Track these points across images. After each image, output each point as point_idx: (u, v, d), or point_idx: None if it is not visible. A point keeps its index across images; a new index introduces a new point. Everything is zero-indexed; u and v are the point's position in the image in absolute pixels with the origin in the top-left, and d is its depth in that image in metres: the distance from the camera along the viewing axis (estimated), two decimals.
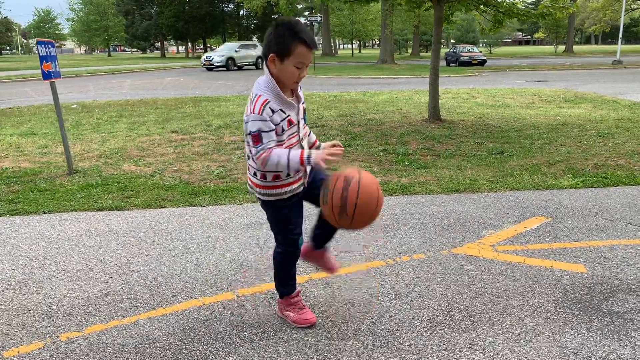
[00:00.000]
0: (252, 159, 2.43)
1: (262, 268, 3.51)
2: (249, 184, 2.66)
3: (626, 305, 2.97)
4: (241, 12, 68.31)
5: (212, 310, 2.97)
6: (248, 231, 4.23)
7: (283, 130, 2.41)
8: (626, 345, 2.58)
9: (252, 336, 2.71)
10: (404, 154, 6.91)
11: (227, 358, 2.52)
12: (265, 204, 2.65)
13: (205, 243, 3.99)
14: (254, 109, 2.34)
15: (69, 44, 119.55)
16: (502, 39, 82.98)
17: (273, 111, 2.35)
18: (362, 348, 2.60)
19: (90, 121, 10.34)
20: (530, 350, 2.55)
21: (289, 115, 2.43)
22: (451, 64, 35.50)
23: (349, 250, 3.80)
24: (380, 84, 20.25)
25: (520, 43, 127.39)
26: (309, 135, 2.70)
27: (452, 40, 69.80)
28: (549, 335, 2.68)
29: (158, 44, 73.32)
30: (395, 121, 9.78)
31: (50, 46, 5.91)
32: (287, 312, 2.83)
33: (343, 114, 10.85)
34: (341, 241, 3.92)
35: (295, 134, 2.50)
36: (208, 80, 23.73)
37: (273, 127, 2.35)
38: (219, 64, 32.66)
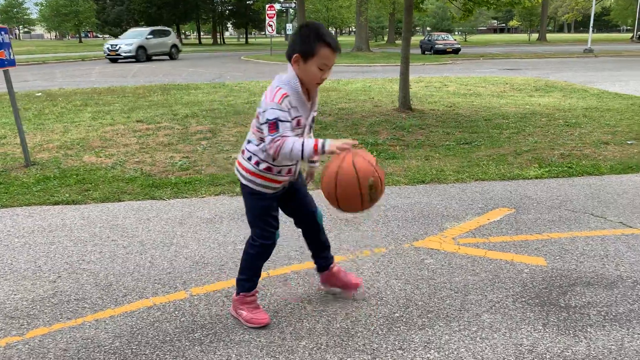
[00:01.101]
0: (264, 146, 2.44)
1: (219, 265, 3.41)
2: (237, 167, 2.64)
3: (583, 299, 2.95)
4: None
5: (162, 311, 2.87)
6: (207, 226, 4.12)
7: (292, 129, 2.43)
8: (581, 341, 2.56)
9: (202, 338, 2.61)
10: (374, 144, 6.84)
11: None
12: (246, 191, 2.63)
13: (161, 239, 3.87)
14: (273, 98, 2.36)
15: (39, 30, 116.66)
16: (477, 26, 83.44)
17: (291, 105, 2.39)
18: (315, 348, 2.53)
19: (53, 110, 10.03)
20: (485, 348, 2.51)
21: (300, 116, 2.46)
22: (426, 52, 35.53)
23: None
24: (354, 72, 20.15)
25: (495, 31, 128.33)
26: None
27: (428, 28, 69.90)
28: (505, 332, 2.64)
29: None
30: (367, 111, 9.71)
31: (3, 32, 5.66)
32: (241, 311, 2.75)
33: None
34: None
35: (299, 136, 2.49)
36: (180, 67, 23.32)
37: (289, 119, 2.37)
38: (128, 54, 27.46)
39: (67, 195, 4.90)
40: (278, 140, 2.34)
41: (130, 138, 7.38)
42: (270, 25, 31.13)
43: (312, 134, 2.64)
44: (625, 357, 2.44)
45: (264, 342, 2.58)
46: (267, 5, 31.67)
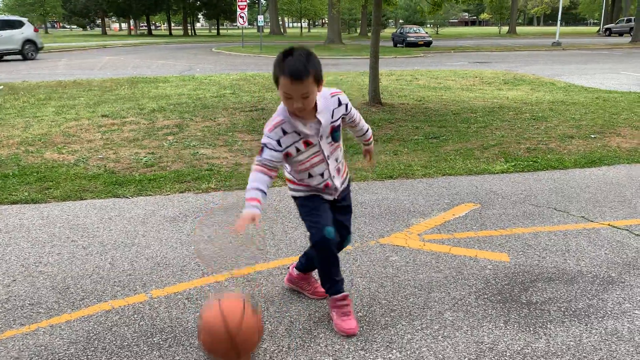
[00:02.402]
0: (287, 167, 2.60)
1: (181, 266, 3.35)
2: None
3: (544, 295, 2.98)
4: None
5: (121, 315, 2.79)
6: (171, 225, 4.04)
7: (298, 151, 2.46)
8: (541, 338, 2.58)
9: (161, 342, 2.55)
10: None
11: None
12: (294, 198, 2.70)
13: (123, 239, 3.78)
14: (267, 125, 2.43)
15: None
16: (449, 19, 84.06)
17: (285, 132, 2.40)
18: (276, 351, 2.49)
19: (15, 104, 9.74)
20: (447, 347, 2.52)
21: (303, 137, 2.44)
22: (398, 45, 35.65)
23: (262, 248, 3.68)
24: (326, 65, 20.00)
25: (466, 24, 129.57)
26: (363, 130, 2.83)
27: (401, 21, 70.09)
28: (467, 330, 2.65)
29: (99, 21, 70.36)
30: None
31: None
32: (332, 313, 2.71)
33: None
34: (265, 234, 3.80)
35: (317, 153, 2.50)
36: (149, 60, 22.91)
37: (278, 147, 2.40)
38: None
39: (27, 193, 4.76)
40: (255, 165, 2.42)
41: (95, 133, 7.21)
42: (242, 17, 30.78)
43: (337, 144, 2.58)
44: (583, 352, 2.47)
45: None
46: None
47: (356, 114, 2.70)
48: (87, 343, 2.55)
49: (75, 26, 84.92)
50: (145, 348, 2.51)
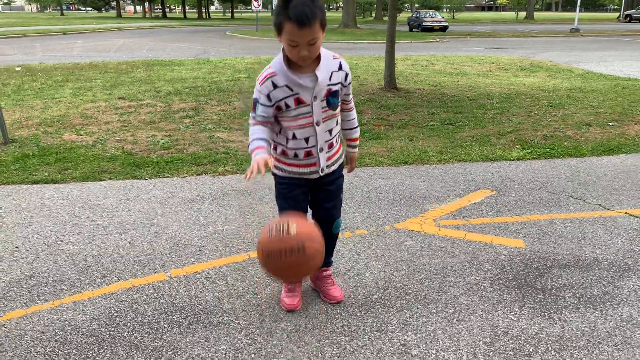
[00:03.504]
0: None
1: (199, 246, 3.40)
2: None
3: (559, 282, 2.99)
4: None
5: (141, 293, 2.86)
6: (189, 207, 4.09)
7: (288, 106, 2.30)
8: (556, 323, 2.60)
9: (180, 320, 2.61)
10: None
11: (152, 344, 2.43)
12: (272, 174, 2.54)
13: (142, 219, 3.84)
14: (259, 77, 2.32)
15: (19, 1, 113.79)
16: (465, 4, 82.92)
17: (275, 86, 2.27)
18: (293, 330, 2.54)
19: (33, 86, 9.84)
20: (462, 330, 2.55)
21: (297, 94, 2.29)
22: (414, 30, 35.30)
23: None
24: (341, 49, 19.96)
25: (483, 9, 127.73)
26: (352, 124, 2.65)
27: (416, 5, 69.28)
28: (482, 314, 2.68)
29: (114, 3, 70.37)
30: (352, 89, 9.63)
31: None
32: (283, 286, 2.79)
33: None
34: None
35: (307, 114, 2.34)
36: (164, 42, 22.94)
37: (268, 102, 2.28)
38: None
39: (47, 174, 4.84)
40: (251, 121, 2.36)
41: (112, 115, 7.28)
42: (257, 0, 30.64)
43: (332, 112, 2.41)
44: (597, 338, 2.48)
45: (242, 324, 2.59)
46: None
47: (351, 94, 2.56)
48: (109, 319, 2.62)
49: (90, 8, 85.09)
50: (165, 325, 2.57)
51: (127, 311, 2.69)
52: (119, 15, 66.55)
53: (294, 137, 2.39)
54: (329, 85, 2.34)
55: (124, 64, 13.44)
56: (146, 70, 12.26)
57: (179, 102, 8.28)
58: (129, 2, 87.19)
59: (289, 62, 2.26)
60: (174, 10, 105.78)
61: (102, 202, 4.19)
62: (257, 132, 2.31)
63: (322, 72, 2.31)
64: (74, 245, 3.42)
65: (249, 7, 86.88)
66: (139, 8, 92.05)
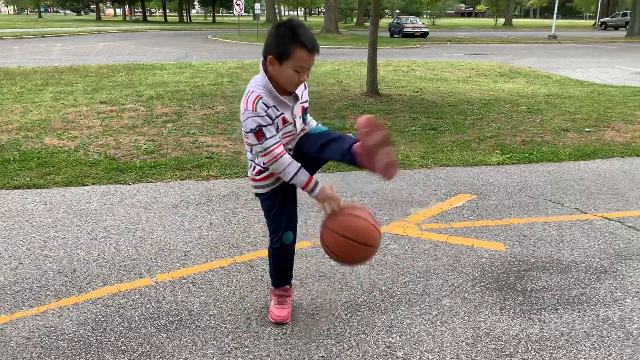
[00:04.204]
0: (257, 155, 2.35)
1: (185, 251, 3.42)
2: (249, 182, 2.58)
3: (539, 284, 3.07)
4: None
5: (127, 298, 2.86)
6: (173, 211, 4.10)
7: (278, 127, 2.33)
8: (535, 324, 2.68)
9: (167, 325, 2.63)
10: (342, 129, 6.88)
11: (139, 349, 2.44)
12: (259, 199, 2.58)
13: (126, 224, 3.84)
14: (247, 105, 2.26)
15: None
16: (445, 10, 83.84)
17: (267, 106, 2.27)
18: (280, 334, 2.58)
19: (12, 90, 9.72)
20: (445, 332, 2.61)
21: (282, 113, 2.33)
22: (394, 35, 35.58)
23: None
24: (323, 55, 20.00)
25: (462, 15, 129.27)
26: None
27: (397, 11, 69.88)
28: (464, 316, 2.74)
29: (93, 6, 69.68)
30: (335, 95, 9.73)
31: None
32: (272, 298, 2.77)
33: None
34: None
35: (291, 133, 2.40)
36: (145, 46, 22.80)
37: (271, 121, 2.28)
38: None
39: (28, 179, 4.80)
40: (275, 148, 2.27)
41: (94, 120, 7.23)
42: (239, 4, 30.62)
43: (307, 126, 2.51)
44: (575, 338, 2.56)
45: (229, 328, 2.61)
46: None
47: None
48: (96, 324, 2.62)
49: (69, 11, 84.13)
50: (152, 330, 2.59)
51: (114, 316, 2.69)
52: (99, 18, 65.92)
53: None
54: (301, 103, 2.42)
55: (105, 68, 13.34)
56: (128, 74, 12.19)
57: (162, 106, 8.25)
58: (108, 4, 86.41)
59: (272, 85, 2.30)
60: (154, 14, 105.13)
61: (85, 207, 4.17)
62: (293, 161, 2.31)
63: (298, 91, 2.39)
64: (58, 251, 3.40)
65: (230, 11, 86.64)
66: (119, 11, 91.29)
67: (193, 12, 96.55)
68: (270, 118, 2.28)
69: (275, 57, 2.23)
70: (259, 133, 2.26)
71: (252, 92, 2.28)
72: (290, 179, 2.32)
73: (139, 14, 78.29)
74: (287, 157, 2.31)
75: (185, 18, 69.21)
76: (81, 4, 69.19)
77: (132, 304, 2.81)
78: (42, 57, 16.97)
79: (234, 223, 3.88)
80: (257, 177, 2.47)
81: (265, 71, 2.29)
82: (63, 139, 6.19)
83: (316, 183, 2.33)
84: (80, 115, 7.49)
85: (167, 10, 75.36)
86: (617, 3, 59.73)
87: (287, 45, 2.20)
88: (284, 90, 2.32)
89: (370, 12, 9.65)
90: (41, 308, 2.75)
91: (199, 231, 3.74)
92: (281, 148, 2.29)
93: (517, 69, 15.07)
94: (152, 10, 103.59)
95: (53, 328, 2.59)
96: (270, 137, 2.26)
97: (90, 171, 5.05)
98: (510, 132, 6.85)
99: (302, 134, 2.48)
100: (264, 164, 2.38)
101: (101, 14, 71.99)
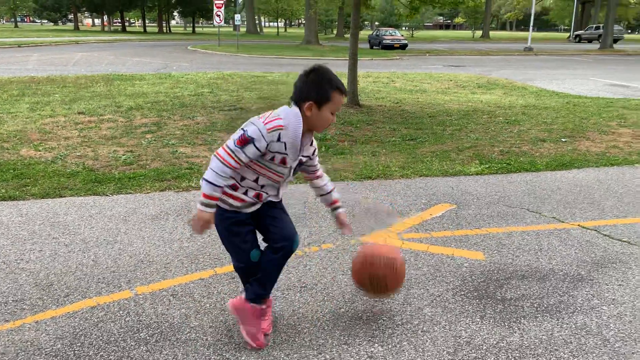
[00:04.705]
0: (224, 147, 2.31)
1: (165, 263, 3.38)
2: None
3: (518, 292, 3.11)
4: None
5: (106, 311, 2.82)
6: (153, 223, 4.06)
7: (272, 159, 2.34)
8: (515, 332, 2.71)
9: (147, 338, 2.59)
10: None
11: None
12: (216, 213, 2.45)
13: (105, 236, 3.79)
14: (266, 122, 2.28)
15: None
16: (424, 22, 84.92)
17: (279, 139, 2.29)
18: None
19: None
20: (426, 341, 2.62)
21: (286, 154, 2.35)
22: (374, 47, 35.93)
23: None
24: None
25: (441, 27, 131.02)
26: (326, 188, 2.72)
27: (376, 23, 70.58)
28: (445, 325, 2.76)
29: (71, 16, 69.04)
30: None
31: None
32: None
33: (264, 97, 10.69)
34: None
35: (281, 174, 2.42)
36: (124, 57, 22.64)
37: (263, 150, 2.28)
38: None
39: (4, 190, 4.71)
40: (232, 157, 2.26)
41: (72, 131, 7.14)
42: (219, 15, 30.63)
43: (316, 174, 2.65)
44: (554, 345, 2.60)
45: (210, 340, 2.59)
46: None
47: (318, 164, 2.66)
48: (74, 338, 2.58)
49: (46, 21, 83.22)
50: (132, 343, 2.55)
51: (92, 330, 2.65)
52: (77, 29, 65.21)
53: (256, 180, 2.42)
54: (302, 155, 2.45)
55: (83, 78, 13.20)
56: (106, 84, 12.08)
57: (141, 117, 8.19)
58: (86, 15, 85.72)
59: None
60: (133, 24, 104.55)
61: (63, 219, 4.11)
62: (228, 177, 2.31)
63: (312, 144, 2.52)
64: (35, 264, 3.34)
65: (210, 22, 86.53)
66: (97, 21, 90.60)
67: (173, 22, 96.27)
68: (270, 150, 2.29)
69: (315, 103, 2.32)
70: (244, 140, 2.26)
71: (281, 119, 2.30)
72: (208, 182, 2.28)
73: (117, 24, 77.79)
74: (228, 170, 2.28)
75: (164, 29, 68.96)
76: (58, 13, 68.42)
77: (111, 317, 2.77)
78: (18, 67, 16.73)
79: (214, 234, 3.83)
80: (228, 192, 2.41)
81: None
82: (40, 150, 6.10)
83: (213, 206, 2.32)
84: (57, 126, 7.39)
85: (147, 21, 75.05)
86: (590, 17, 61.21)
87: (326, 91, 2.33)
88: (307, 136, 2.42)
89: (350, 24, 9.73)
90: (17, 322, 2.70)
91: (179, 243, 3.71)
92: (236, 164, 2.28)
93: (495, 80, 15.31)
94: (132, 20, 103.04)
95: (29, 343, 2.53)
96: (246, 155, 2.27)
97: (67, 182, 4.98)
98: (489, 143, 6.95)
99: (290, 180, 2.55)
100: (215, 154, 2.33)
101: (79, 24, 71.27)
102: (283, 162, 2.37)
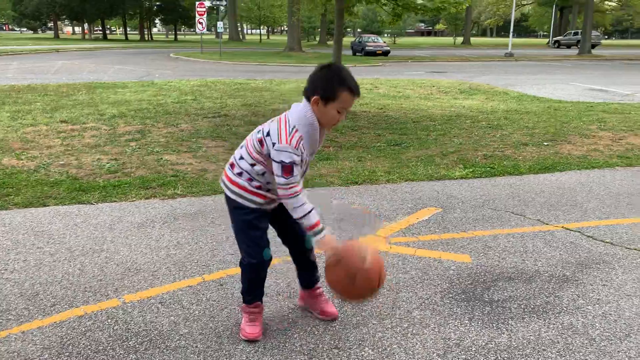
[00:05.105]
0: (277, 185, 2.42)
1: (152, 271, 3.36)
2: (224, 180, 2.60)
3: (505, 294, 3.15)
4: None
5: (94, 320, 2.79)
6: (139, 231, 4.03)
7: (300, 167, 2.46)
8: (503, 333, 2.74)
9: (137, 346, 2.57)
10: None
11: None
12: (232, 206, 2.59)
13: (91, 245, 3.75)
14: (290, 140, 2.35)
15: None
16: (406, 29, 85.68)
17: (304, 148, 2.41)
18: (252, 351, 2.55)
19: None
20: (416, 344, 2.64)
21: (307, 157, 2.47)
22: (357, 54, 36.11)
23: None
24: (287, 72, 20.19)
25: (422, 34, 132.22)
26: None
27: (359, 30, 70.98)
28: (434, 327, 2.78)
29: (51, 24, 68.39)
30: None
31: None
32: (243, 316, 2.73)
33: (247, 104, 10.68)
34: None
35: (304, 172, 2.53)
36: (105, 65, 22.47)
37: (301, 161, 2.41)
38: None
39: None
40: (295, 186, 2.38)
41: (54, 139, 7.07)
42: (201, 23, 30.58)
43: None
44: (542, 346, 2.63)
45: (201, 347, 2.58)
46: (197, 2, 31.07)
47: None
48: (61, 348, 2.55)
49: (25, 29, 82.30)
50: (121, 352, 2.53)
51: (80, 339, 2.62)
52: (57, 37, 64.60)
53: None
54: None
55: (64, 87, 13.07)
56: (88, 92, 11.98)
57: (125, 125, 8.13)
58: (67, 23, 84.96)
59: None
60: (114, 32, 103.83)
61: (47, 229, 4.06)
62: (307, 201, 2.43)
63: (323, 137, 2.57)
64: (20, 274, 3.30)
65: (192, 30, 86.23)
66: (77, 29, 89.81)
67: (154, 30, 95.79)
68: (302, 160, 2.40)
69: (321, 98, 2.36)
70: (289, 169, 2.36)
71: (297, 130, 2.38)
72: (301, 217, 2.41)
73: (98, 32, 77.17)
74: (303, 198, 2.41)
75: (146, 36, 68.61)
76: (38, 22, 67.71)
77: (99, 325, 2.74)
78: None
79: (201, 241, 3.85)
80: (253, 190, 2.51)
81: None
82: (22, 159, 6.03)
83: (322, 228, 2.43)
84: (39, 135, 7.31)
85: (128, 29, 74.60)
86: (568, 23, 62.28)
87: (334, 88, 2.34)
88: (319, 131, 2.46)
89: (333, 31, 9.78)
90: (2, 333, 2.66)
91: (166, 250, 3.69)
92: (300, 186, 2.42)
93: (476, 86, 15.48)
94: (112, 28, 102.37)
95: (16, 353, 2.50)
96: (296, 175, 2.37)
97: (51, 191, 4.93)
98: (472, 147, 7.03)
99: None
100: (278, 195, 2.47)
101: (59, 32, 70.63)
102: (305, 162, 2.48)
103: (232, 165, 2.57)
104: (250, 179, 2.51)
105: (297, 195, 2.40)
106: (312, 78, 2.42)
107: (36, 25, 71.57)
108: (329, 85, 2.36)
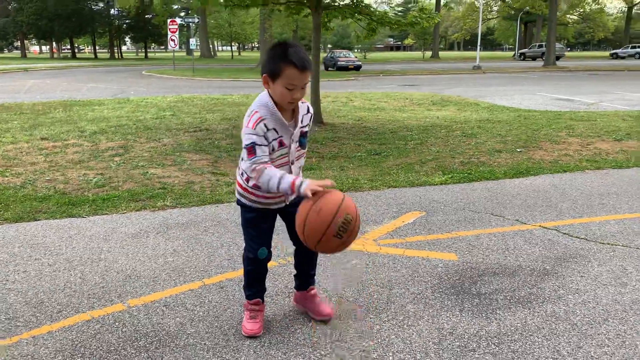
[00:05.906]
0: (246, 171, 2.47)
1: (153, 277, 3.46)
2: (235, 183, 2.72)
3: (491, 287, 3.34)
4: (112, 12, 64.86)
5: (102, 323, 2.88)
6: (134, 241, 4.12)
7: (273, 149, 2.47)
8: (492, 322, 2.92)
9: (147, 345, 2.67)
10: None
11: None
12: (238, 204, 2.73)
13: (88, 255, 3.83)
14: (248, 123, 2.40)
15: None
16: (375, 44, 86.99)
17: (267, 128, 2.41)
18: (259, 346, 2.68)
19: None
20: (413, 334, 2.80)
21: (281, 136, 2.47)
22: (329, 69, 36.54)
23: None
24: (261, 88, 20.25)
25: (391, 49, 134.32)
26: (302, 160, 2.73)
27: (330, 45, 71.84)
28: (428, 319, 2.95)
29: (17, 43, 67.34)
30: None
31: None
32: (245, 312, 2.85)
33: (227, 117, 10.81)
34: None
35: (285, 155, 2.54)
36: (78, 83, 22.31)
37: (266, 142, 2.42)
38: None
39: None
40: (257, 166, 2.40)
41: (37, 156, 7.07)
42: (173, 40, 30.61)
43: (303, 153, 2.68)
44: (529, 332, 2.82)
45: (209, 344, 2.69)
46: (168, 20, 31.12)
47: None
48: (74, 350, 2.63)
49: None
50: (132, 351, 2.63)
51: (91, 341, 2.71)
52: (24, 56, 63.67)
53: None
54: (301, 127, 2.58)
55: (39, 105, 12.98)
56: (65, 110, 11.94)
57: (106, 140, 8.17)
58: (33, 42, 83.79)
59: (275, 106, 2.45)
60: (82, 50, 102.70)
61: (42, 241, 4.11)
62: (276, 171, 2.40)
63: (300, 115, 2.55)
64: (22, 284, 3.36)
65: (162, 47, 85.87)
66: (45, 48, 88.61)
67: (124, 48, 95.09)
68: (267, 140, 2.42)
69: (269, 76, 2.41)
70: (250, 149, 2.41)
71: (256, 112, 2.43)
72: (277, 189, 2.40)
73: (66, 50, 76.29)
74: (270, 170, 2.41)
75: (116, 54, 68.12)
76: (4, 41, 66.66)
77: (108, 328, 2.83)
78: None
79: (197, 249, 3.95)
80: (252, 190, 2.61)
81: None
82: (7, 176, 6.03)
83: (300, 184, 2.37)
84: (21, 152, 7.31)
85: (97, 47, 73.93)
86: (532, 36, 64.17)
87: (278, 63, 2.36)
88: (285, 111, 2.47)
89: (307, 46, 10.00)
90: (14, 338, 2.73)
91: (163, 258, 3.79)
92: (266, 165, 2.42)
93: (448, 97, 15.91)
94: (81, 47, 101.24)
95: (29, 356, 2.58)
96: (260, 156, 2.40)
97: (41, 206, 4.97)
98: (449, 155, 7.28)
99: (300, 155, 2.65)
100: (251, 181, 2.53)
101: (26, 51, 69.58)
102: (281, 143, 2.50)
103: (238, 168, 2.72)
104: (248, 179, 2.59)
105: (263, 172, 2.38)
106: (262, 58, 2.51)
107: (2, 45, 70.39)
108: (274, 62, 2.36)
